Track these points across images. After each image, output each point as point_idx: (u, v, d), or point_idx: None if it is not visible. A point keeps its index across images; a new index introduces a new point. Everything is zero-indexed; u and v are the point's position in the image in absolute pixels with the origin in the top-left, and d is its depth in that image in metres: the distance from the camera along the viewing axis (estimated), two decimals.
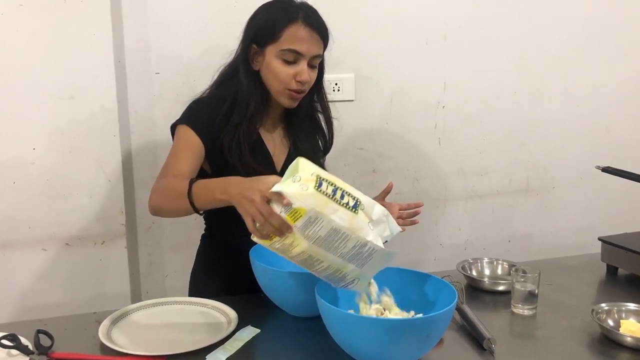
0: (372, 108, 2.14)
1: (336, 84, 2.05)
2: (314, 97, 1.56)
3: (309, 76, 1.43)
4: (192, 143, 1.43)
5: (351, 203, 1.09)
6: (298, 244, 1.09)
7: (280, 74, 1.42)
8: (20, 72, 1.67)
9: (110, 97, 1.75)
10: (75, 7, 1.68)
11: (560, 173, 2.43)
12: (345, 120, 2.05)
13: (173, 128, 1.49)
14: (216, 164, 1.48)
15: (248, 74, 1.47)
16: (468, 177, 2.32)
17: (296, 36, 1.40)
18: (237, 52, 1.50)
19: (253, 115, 1.45)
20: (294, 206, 1.05)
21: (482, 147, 2.31)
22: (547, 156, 2.41)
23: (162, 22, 1.83)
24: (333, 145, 1.65)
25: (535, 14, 2.27)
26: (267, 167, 1.50)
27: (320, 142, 1.62)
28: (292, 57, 1.41)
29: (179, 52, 1.86)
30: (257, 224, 1.09)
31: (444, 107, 2.23)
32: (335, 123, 1.61)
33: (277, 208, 1.07)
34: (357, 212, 1.09)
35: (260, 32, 1.44)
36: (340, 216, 1.07)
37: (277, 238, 1.10)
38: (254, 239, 1.13)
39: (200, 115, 1.47)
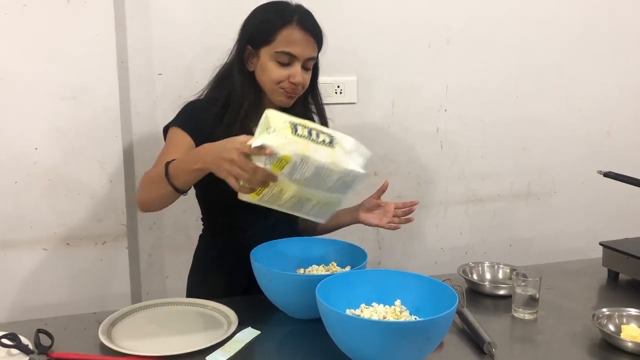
0: (374, 111, 2.14)
1: (338, 87, 2.05)
2: (309, 99, 1.57)
3: (303, 78, 1.45)
4: (183, 143, 1.43)
5: (327, 140, 1.16)
6: (287, 189, 1.15)
7: (274, 75, 1.44)
8: (23, 72, 1.67)
9: (113, 98, 1.75)
10: (78, 7, 1.68)
11: (561, 177, 2.43)
12: (347, 123, 2.05)
13: (165, 131, 1.50)
14: None
15: (243, 75, 1.48)
16: (469, 181, 2.32)
17: (290, 39, 1.42)
18: (232, 52, 1.51)
19: (247, 116, 1.46)
20: (279, 155, 1.08)
21: (484, 151, 2.31)
22: (548, 160, 2.40)
23: (165, 22, 1.83)
24: None
25: (538, 18, 2.27)
26: None
27: None
28: (287, 59, 1.43)
29: (181, 53, 1.86)
30: (241, 182, 1.12)
31: (446, 110, 2.23)
32: (329, 124, 1.61)
33: (259, 162, 1.10)
34: (334, 147, 1.17)
35: (255, 34, 1.46)
36: (321, 154, 1.13)
37: (265, 190, 1.13)
38: (242, 197, 1.16)
39: (192, 117, 1.48)
